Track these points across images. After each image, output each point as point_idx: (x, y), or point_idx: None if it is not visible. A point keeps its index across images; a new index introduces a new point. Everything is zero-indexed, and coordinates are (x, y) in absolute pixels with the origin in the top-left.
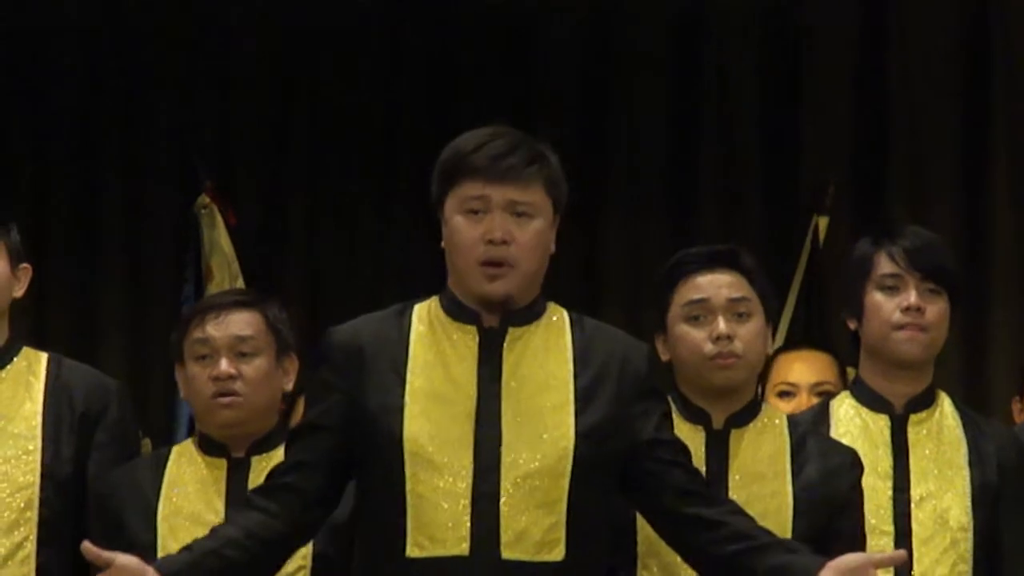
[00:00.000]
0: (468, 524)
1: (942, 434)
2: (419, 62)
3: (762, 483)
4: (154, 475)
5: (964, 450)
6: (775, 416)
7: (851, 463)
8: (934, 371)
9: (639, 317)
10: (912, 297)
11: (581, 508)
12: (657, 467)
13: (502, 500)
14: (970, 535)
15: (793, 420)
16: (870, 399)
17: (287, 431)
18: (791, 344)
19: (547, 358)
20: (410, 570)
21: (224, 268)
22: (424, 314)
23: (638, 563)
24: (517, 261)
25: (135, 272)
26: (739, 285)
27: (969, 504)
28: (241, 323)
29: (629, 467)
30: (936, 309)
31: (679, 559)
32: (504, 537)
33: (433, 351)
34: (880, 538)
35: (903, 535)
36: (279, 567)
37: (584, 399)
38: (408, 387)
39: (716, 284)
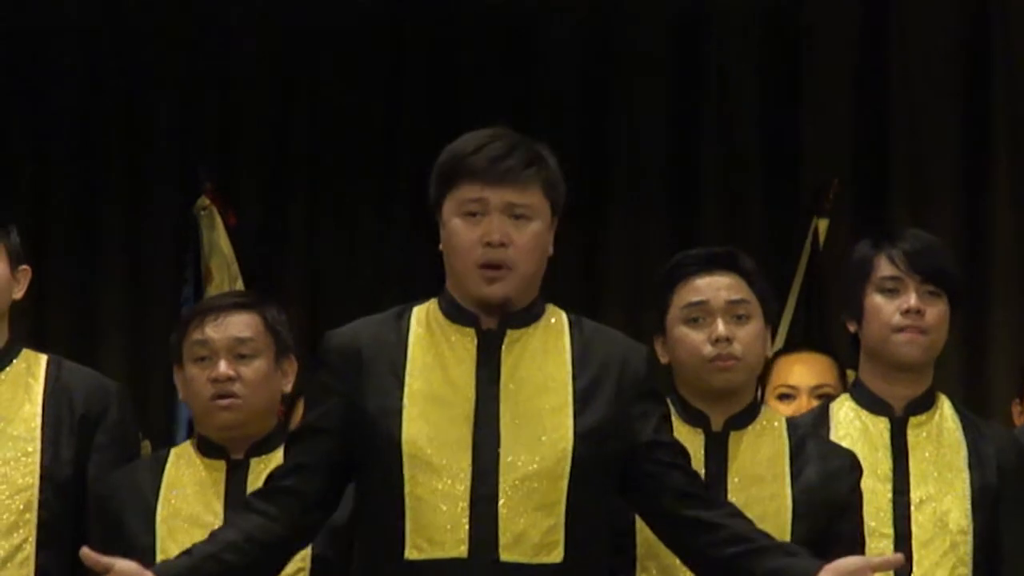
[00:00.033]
0: (466, 526)
1: (942, 437)
2: (419, 62)
3: (761, 486)
4: (153, 477)
5: (964, 453)
6: (774, 418)
7: (850, 466)
8: (934, 371)
9: (639, 317)
10: (912, 300)
11: (580, 510)
12: (656, 469)
13: (500, 502)
14: (970, 538)
15: (792, 423)
16: (870, 402)
17: (286, 433)
18: (791, 346)
19: (546, 360)
20: (409, 572)
21: (223, 270)
22: (423, 316)
23: (637, 566)
24: (515, 263)
25: (135, 272)
26: (738, 287)
27: (969, 507)
28: (240, 325)
29: (628, 469)
30: (936, 312)
31: (678, 562)
32: (503, 539)
33: (432, 353)
34: (880, 541)
35: (903, 538)
36: (279, 570)
37: (583, 401)
38: (407, 389)
39: (715, 286)
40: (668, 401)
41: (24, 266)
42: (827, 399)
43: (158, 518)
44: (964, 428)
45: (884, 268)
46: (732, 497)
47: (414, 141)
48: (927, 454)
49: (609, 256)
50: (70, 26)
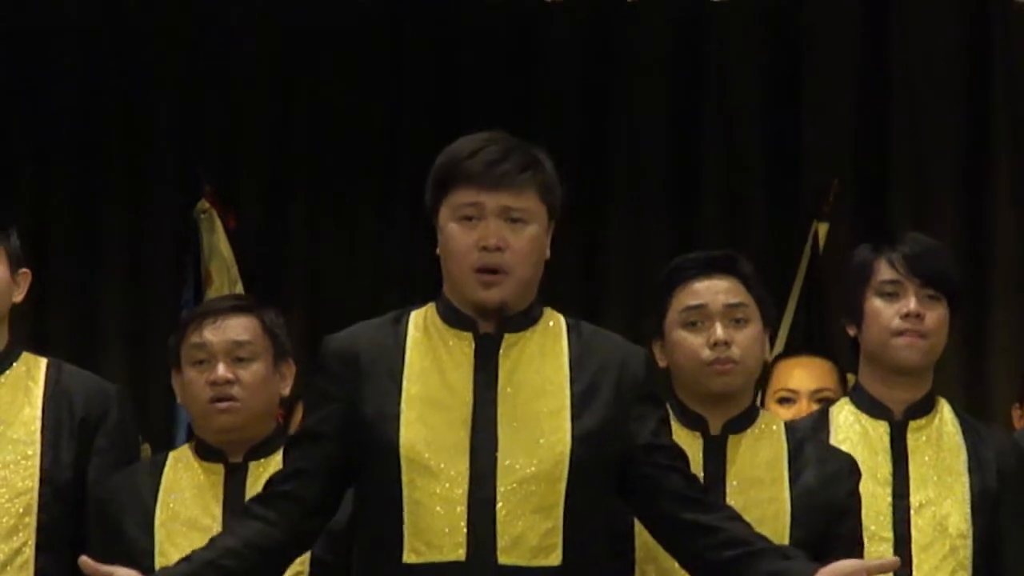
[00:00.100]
0: (464, 530)
1: (941, 440)
2: (419, 62)
3: (759, 489)
4: (151, 481)
5: (963, 456)
6: (772, 422)
7: (849, 469)
8: (934, 372)
9: (639, 318)
10: (912, 303)
11: (578, 513)
12: (654, 472)
13: (498, 505)
14: (969, 542)
15: (791, 426)
16: (869, 405)
17: (285, 436)
18: (791, 350)
19: (543, 363)
20: None
21: (223, 273)
22: (420, 321)
23: (636, 569)
24: (512, 268)
25: (135, 273)
26: (736, 291)
27: (968, 511)
28: (238, 328)
29: (626, 472)
30: (936, 315)
31: (676, 565)
32: (501, 542)
33: (429, 358)
34: (879, 544)
35: (902, 542)
36: None
37: (580, 404)
38: (404, 394)
39: (713, 290)
40: (667, 404)
41: (24, 269)
42: (827, 403)
43: (156, 522)
44: (964, 432)
45: (884, 272)
46: (730, 500)
47: (414, 141)
48: (927, 458)
49: (609, 256)
50: (70, 26)
